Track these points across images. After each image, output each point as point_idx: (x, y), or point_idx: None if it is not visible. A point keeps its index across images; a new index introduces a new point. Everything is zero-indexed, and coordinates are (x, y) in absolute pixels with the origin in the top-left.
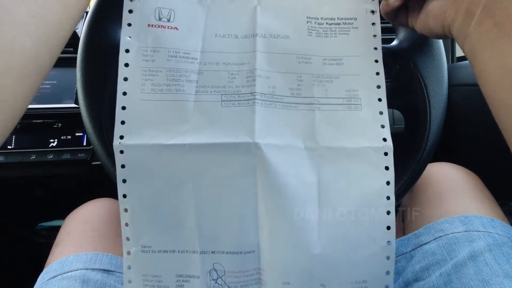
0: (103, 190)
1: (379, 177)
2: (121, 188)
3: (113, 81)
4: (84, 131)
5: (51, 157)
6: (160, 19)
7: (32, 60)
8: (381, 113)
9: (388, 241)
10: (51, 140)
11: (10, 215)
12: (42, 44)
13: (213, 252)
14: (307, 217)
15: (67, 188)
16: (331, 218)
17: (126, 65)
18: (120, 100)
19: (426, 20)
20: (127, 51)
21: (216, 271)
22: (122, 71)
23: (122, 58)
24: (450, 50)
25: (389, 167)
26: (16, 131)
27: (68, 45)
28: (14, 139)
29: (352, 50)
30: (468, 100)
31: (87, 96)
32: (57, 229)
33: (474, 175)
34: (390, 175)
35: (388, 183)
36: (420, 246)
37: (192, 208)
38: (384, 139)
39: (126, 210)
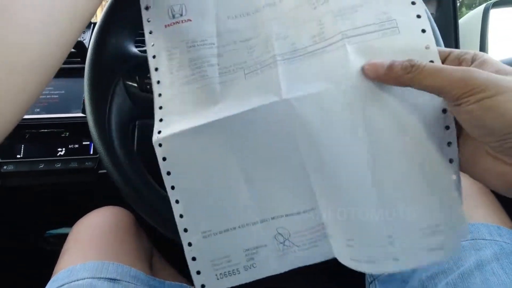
0: (109, 198)
1: (433, 107)
2: (167, 181)
3: (120, 91)
4: (91, 140)
5: (59, 165)
6: (174, 17)
7: (42, 58)
8: (423, 31)
9: (453, 177)
10: (59, 149)
11: (18, 222)
12: (53, 42)
13: (273, 218)
14: (359, 169)
15: (75, 196)
16: (387, 164)
17: (156, 69)
18: (157, 101)
19: (484, 174)
20: (154, 56)
21: (281, 234)
22: (153, 75)
23: (152, 63)
24: None
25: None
26: (25, 140)
27: (76, 55)
28: (23, 148)
29: None
30: None
31: (93, 105)
32: (65, 236)
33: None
34: (446, 104)
35: (444, 110)
36: None
37: (242, 181)
38: (431, 62)
39: (177, 201)
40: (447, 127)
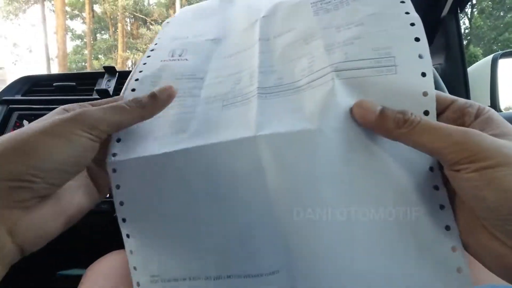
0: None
1: (421, 164)
2: (119, 212)
3: None
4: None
5: None
6: (172, 56)
7: None
8: (423, 74)
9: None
10: None
11: (30, 262)
12: None
13: (229, 277)
14: (335, 229)
15: (88, 237)
16: (369, 226)
17: (133, 90)
18: None
19: (478, 249)
20: (136, 80)
21: None
22: (126, 94)
23: (131, 85)
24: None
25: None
26: None
27: None
28: None
29: (373, 8)
30: None
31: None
32: (76, 278)
33: None
34: (434, 163)
35: (431, 169)
36: None
37: (202, 225)
38: (427, 112)
39: (128, 236)
40: (436, 187)
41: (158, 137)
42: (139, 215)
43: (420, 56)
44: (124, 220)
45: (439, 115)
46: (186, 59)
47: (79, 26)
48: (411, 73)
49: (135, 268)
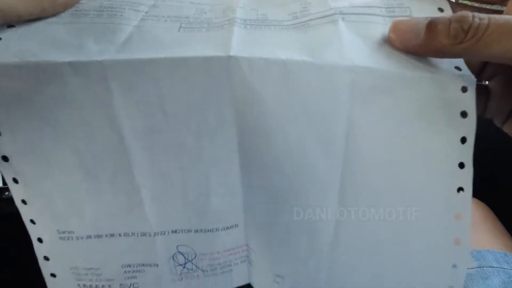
0: None
1: (449, 129)
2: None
3: None
4: None
5: None
6: None
7: None
8: None
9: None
10: None
11: (21, 251)
12: None
13: (175, 232)
14: (323, 180)
15: None
16: (365, 188)
17: None
18: None
19: None
20: None
21: (182, 254)
22: None
23: None
24: None
25: (467, 112)
26: None
27: None
28: None
29: None
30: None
31: None
32: None
33: (485, 206)
34: (469, 127)
35: (463, 140)
36: None
37: (137, 165)
38: (458, 68)
39: (15, 180)
40: (461, 165)
41: (62, 45)
42: (29, 150)
43: (441, 10)
44: (5, 158)
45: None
46: None
47: None
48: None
49: (32, 221)
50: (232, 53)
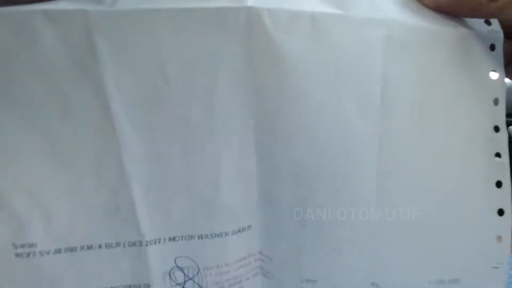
0: None
1: (482, 90)
2: None
3: None
4: None
5: None
6: None
7: None
8: None
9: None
10: None
11: None
12: None
13: (173, 240)
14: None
15: None
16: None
17: None
18: None
19: None
20: None
21: (181, 270)
22: None
23: None
24: None
25: (497, 72)
26: None
27: None
28: None
29: None
30: None
31: None
32: None
33: None
34: (500, 88)
35: (496, 101)
36: None
37: (127, 149)
38: (488, 22)
39: None
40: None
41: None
42: None
43: None
44: None
45: None
46: None
47: None
48: None
49: None
50: (250, 3)
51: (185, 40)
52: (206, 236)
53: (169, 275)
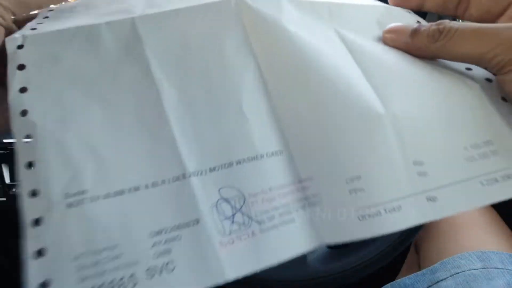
0: None
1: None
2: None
3: None
4: None
5: None
6: None
7: None
8: None
9: None
10: None
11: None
12: None
13: (213, 170)
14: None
15: None
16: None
17: None
18: None
19: None
20: None
21: (227, 201)
22: None
23: None
24: None
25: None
26: None
27: None
28: None
29: None
30: None
31: None
32: None
33: (490, 207)
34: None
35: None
36: (436, 283)
37: (166, 95)
38: (469, 68)
39: (28, 136)
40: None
41: (92, 15)
42: (50, 107)
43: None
44: (24, 112)
45: (498, 16)
46: None
47: None
48: None
49: (33, 193)
50: None
51: (198, 22)
52: (244, 160)
53: (216, 207)
